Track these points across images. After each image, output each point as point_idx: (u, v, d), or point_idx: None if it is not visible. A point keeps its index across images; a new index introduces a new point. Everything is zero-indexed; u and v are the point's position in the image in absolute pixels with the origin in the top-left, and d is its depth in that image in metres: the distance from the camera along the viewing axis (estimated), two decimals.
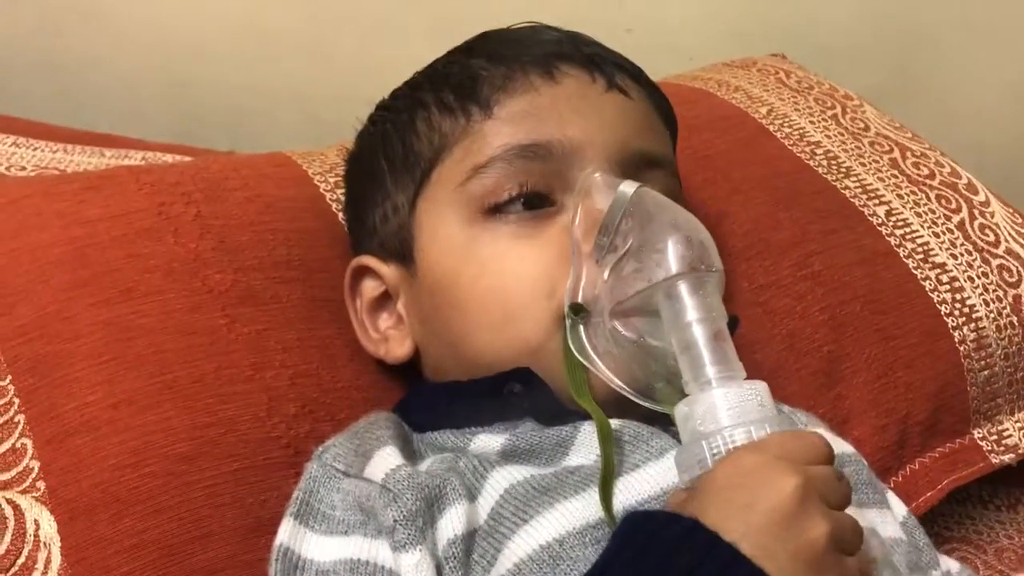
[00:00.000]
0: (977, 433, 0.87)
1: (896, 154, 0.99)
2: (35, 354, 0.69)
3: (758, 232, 0.89)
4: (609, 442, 0.59)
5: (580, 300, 0.64)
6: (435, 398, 0.70)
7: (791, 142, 0.98)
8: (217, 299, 0.74)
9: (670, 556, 0.47)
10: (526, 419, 0.66)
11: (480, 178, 0.68)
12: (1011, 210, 0.98)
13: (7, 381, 0.68)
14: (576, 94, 0.70)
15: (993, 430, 0.87)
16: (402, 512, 0.57)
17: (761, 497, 0.49)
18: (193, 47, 1.29)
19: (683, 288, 0.58)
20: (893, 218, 0.92)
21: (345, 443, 0.64)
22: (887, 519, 0.68)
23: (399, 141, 0.73)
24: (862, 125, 1.02)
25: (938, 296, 0.88)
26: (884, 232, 0.91)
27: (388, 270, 0.74)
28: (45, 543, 0.63)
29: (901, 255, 0.89)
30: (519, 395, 0.65)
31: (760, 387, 0.55)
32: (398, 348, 0.73)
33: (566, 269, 0.65)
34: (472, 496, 0.60)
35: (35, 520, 0.64)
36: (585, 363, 0.63)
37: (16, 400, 0.68)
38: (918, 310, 0.87)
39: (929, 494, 0.82)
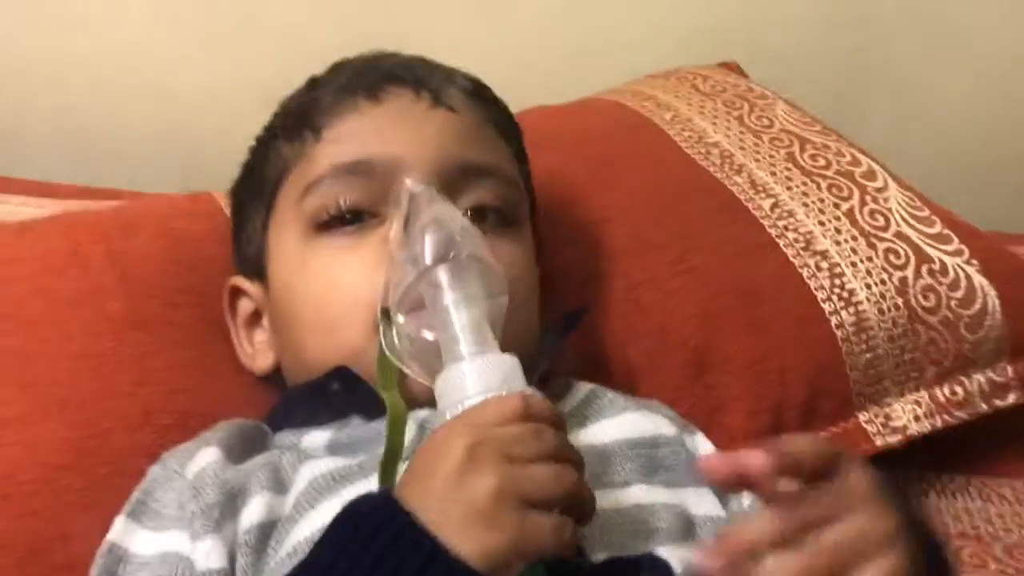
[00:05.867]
0: (863, 416, 0.87)
1: (795, 148, 1.00)
2: None
3: (639, 234, 0.91)
4: (398, 425, 0.63)
5: (389, 304, 0.68)
6: (285, 402, 0.76)
7: (688, 144, 1.00)
8: (112, 326, 0.81)
9: (358, 526, 0.52)
10: (354, 416, 0.70)
11: (311, 196, 0.74)
12: (911, 194, 0.98)
13: None
14: (398, 112, 0.75)
15: (880, 412, 0.87)
16: (200, 505, 0.63)
17: (436, 463, 0.52)
18: (197, 106, 1.39)
19: (440, 276, 0.62)
20: (778, 210, 0.93)
21: (189, 448, 0.70)
22: (705, 499, 0.69)
23: (255, 169, 0.81)
24: (767, 122, 1.04)
25: (816, 282, 0.89)
26: (767, 224, 0.92)
27: (254, 288, 0.80)
28: None
29: (781, 245, 0.91)
30: (339, 393, 0.69)
31: (500, 359, 0.59)
32: (262, 360, 0.79)
33: (383, 277, 0.70)
34: (284, 488, 0.65)
35: None
36: (397, 363, 0.67)
37: None
38: (792, 297, 0.88)
39: None
